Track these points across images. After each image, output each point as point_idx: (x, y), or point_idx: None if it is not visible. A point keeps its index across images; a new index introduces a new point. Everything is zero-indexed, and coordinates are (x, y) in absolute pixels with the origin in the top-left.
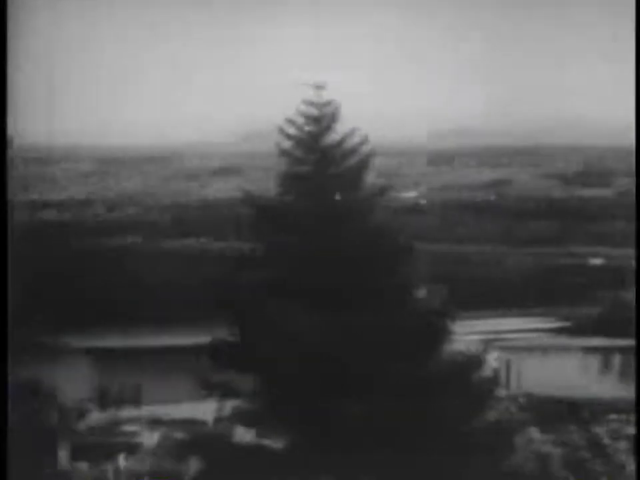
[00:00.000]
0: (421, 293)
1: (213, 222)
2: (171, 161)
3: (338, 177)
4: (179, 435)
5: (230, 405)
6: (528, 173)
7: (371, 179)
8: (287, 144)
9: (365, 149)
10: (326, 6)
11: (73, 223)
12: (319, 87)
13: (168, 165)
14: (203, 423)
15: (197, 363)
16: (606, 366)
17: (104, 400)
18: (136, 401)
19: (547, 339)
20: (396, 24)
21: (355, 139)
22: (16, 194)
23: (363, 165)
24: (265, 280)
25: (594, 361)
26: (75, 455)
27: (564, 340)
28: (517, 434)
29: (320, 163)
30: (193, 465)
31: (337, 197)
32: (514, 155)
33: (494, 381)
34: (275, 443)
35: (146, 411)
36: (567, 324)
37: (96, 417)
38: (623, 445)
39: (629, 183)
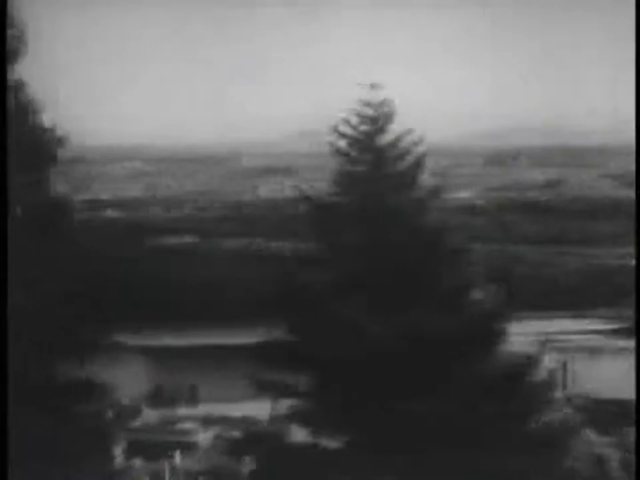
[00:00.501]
0: (477, 294)
1: (269, 221)
2: (227, 160)
3: (393, 177)
4: (234, 433)
5: (285, 404)
6: (584, 173)
7: (425, 179)
8: (342, 143)
9: (420, 149)
10: (382, 6)
11: (131, 222)
12: (375, 87)
13: (224, 164)
14: (258, 422)
15: (252, 362)
16: None
17: (159, 398)
18: (191, 400)
19: (603, 340)
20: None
21: (410, 139)
22: (74, 193)
23: (418, 165)
24: (322, 279)
25: None
26: (131, 453)
27: (619, 341)
28: (573, 436)
29: (375, 163)
30: (248, 463)
31: (392, 197)
32: (570, 155)
33: (550, 382)
34: (331, 443)
35: (201, 409)
36: (623, 325)
37: (151, 415)
38: None
39: None
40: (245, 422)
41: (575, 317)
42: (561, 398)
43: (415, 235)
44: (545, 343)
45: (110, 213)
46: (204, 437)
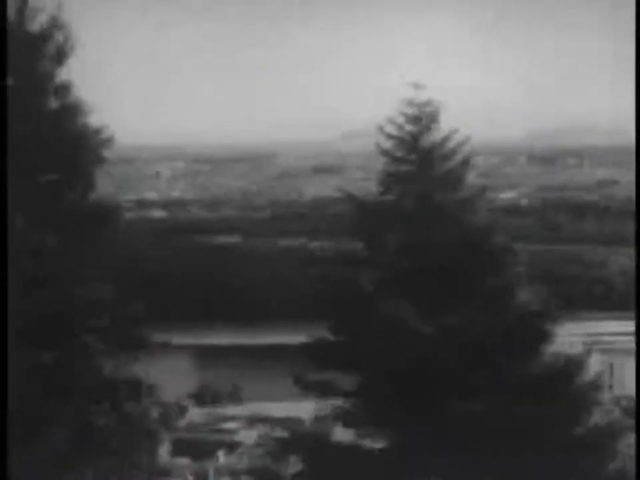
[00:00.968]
0: (522, 294)
1: (314, 221)
2: (272, 160)
3: (438, 177)
4: (278, 433)
5: (329, 404)
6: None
7: (471, 179)
8: (387, 143)
9: (466, 149)
10: (425, 6)
11: (176, 222)
12: (419, 86)
13: (269, 164)
14: (302, 422)
15: (297, 362)
16: None
17: (204, 397)
18: (235, 399)
19: None
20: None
21: (456, 139)
22: (117, 193)
23: (464, 165)
24: (367, 279)
25: None
26: (176, 451)
27: None
28: (621, 438)
29: (420, 163)
30: (291, 463)
31: (437, 197)
32: (620, 155)
33: (596, 383)
34: (375, 444)
35: (245, 408)
36: None
37: (196, 413)
38: None
39: None
40: (288, 422)
41: (622, 318)
42: (608, 399)
43: (460, 235)
44: (592, 344)
45: (155, 213)
46: (248, 437)
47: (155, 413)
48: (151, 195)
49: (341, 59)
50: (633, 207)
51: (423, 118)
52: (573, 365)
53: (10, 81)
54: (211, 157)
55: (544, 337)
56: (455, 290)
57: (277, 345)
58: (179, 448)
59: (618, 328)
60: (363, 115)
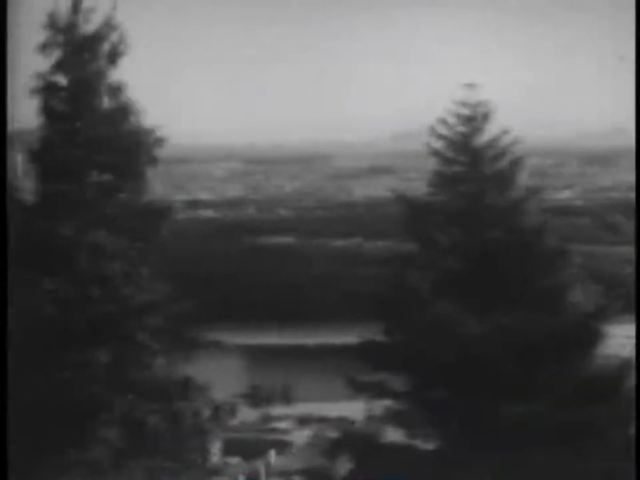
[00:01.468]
0: (575, 295)
1: (366, 222)
2: (323, 160)
3: (490, 177)
4: (329, 433)
5: (381, 404)
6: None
7: (523, 179)
8: (438, 144)
9: (518, 149)
10: (478, 7)
11: (229, 222)
12: (471, 87)
13: (321, 164)
14: (353, 422)
15: (349, 362)
16: None
17: (255, 397)
18: (287, 399)
19: None
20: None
21: (507, 140)
22: (171, 193)
23: (516, 165)
24: (420, 280)
25: None
26: (227, 451)
27: None
28: None
29: (472, 164)
30: (342, 464)
31: (489, 197)
32: None
33: None
34: (426, 445)
35: (296, 408)
36: None
37: (248, 413)
38: None
39: None
40: (340, 422)
41: None
42: None
43: (513, 235)
44: None
45: (209, 213)
46: (299, 436)
47: (206, 412)
48: (204, 196)
49: (392, 60)
50: None
51: (475, 118)
52: (625, 366)
53: (64, 81)
54: (265, 157)
55: (597, 338)
56: (507, 291)
57: (329, 345)
58: (231, 447)
59: None
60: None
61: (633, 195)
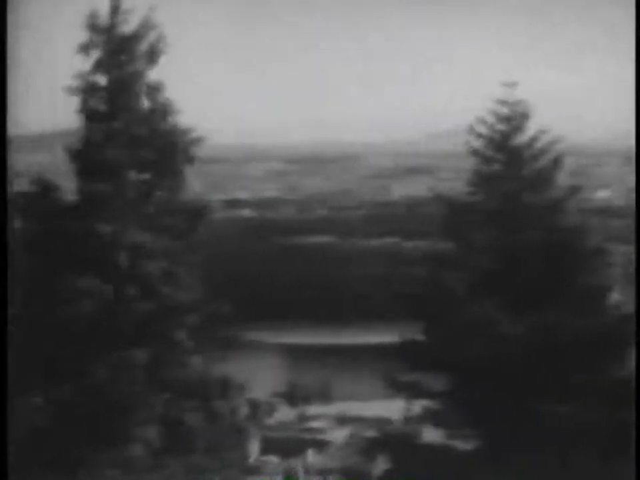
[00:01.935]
0: (614, 296)
1: (404, 221)
2: (359, 160)
3: (529, 176)
4: (367, 433)
5: (419, 404)
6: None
7: (562, 178)
8: (477, 143)
9: (557, 148)
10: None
11: (267, 222)
12: (510, 86)
13: (358, 164)
14: (391, 422)
15: (387, 362)
16: None
17: (293, 395)
18: (325, 398)
19: None
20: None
21: (546, 139)
22: (207, 193)
23: (554, 165)
24: (458, 279)
25: None
26: (265, 450)
27: None
28: None
29: (511, 163)
30: (380, 463)
31: (528, 196)
32: None
33: None
34: (465, 445)
35: (334, 407)
36: None
37: (285, 412)
38: None
39: None
40: (378, 422)
41: None
42: None
43: (551, 235)
44: None
45: (246, 213)
46: (337, 436)
47: (244, 410)
48: (241, 195)
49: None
50: None
51: (514, 117)
52: None
53: (104, 81)
54: (302, 156)
55: (634, 338)
56: (544, 291)
57: (366, 344)
58: (268, 446)
59: None
60: (454, 114)
61: None
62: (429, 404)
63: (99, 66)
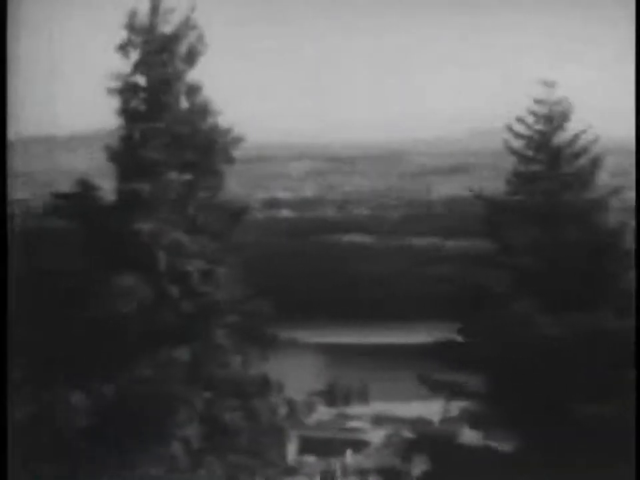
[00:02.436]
0: None
1: (443, 220)
2: (398, 158)
3: (568, 176)
4: (405, 433)
5: (457, 405)
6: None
7: (603, 178)
8: (516, 143)
9: (597, 148)
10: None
11: (304, 221)
12: (549, 85)
13: (397, 163)
14: (429, 423)
15: (425, 362)
16: None
17: (332, 395)
18: (363, 398)
19: None
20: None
21: (587, 138)
22: (248, 192)
23: (595, 164)
24: (497, 279)
25: None
26: (303, 449)
27: None
28: None
29: (550, 162)
30: (418, 464)
31: (568, 196)
32: None
33: None
34: (503, 446)
35: (372, 408)
36: None
37: (324, 412)
38: None
39: None
40: (416, 422)
41: None
42: None
43: (591, 235)
44: None
45: (286, 212)
46: (375, 436)
47: (282, 410)
48: (281, 194)
49: (468, 58)
50: None
51: (554, 117)
52: None
53: (143, 82)
54: (342, 156)
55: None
56: (584, 291)
57: (405, 344)
58: (307, 446)
59: None
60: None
61: None
62: (468, 405)
63: (138, 66)
